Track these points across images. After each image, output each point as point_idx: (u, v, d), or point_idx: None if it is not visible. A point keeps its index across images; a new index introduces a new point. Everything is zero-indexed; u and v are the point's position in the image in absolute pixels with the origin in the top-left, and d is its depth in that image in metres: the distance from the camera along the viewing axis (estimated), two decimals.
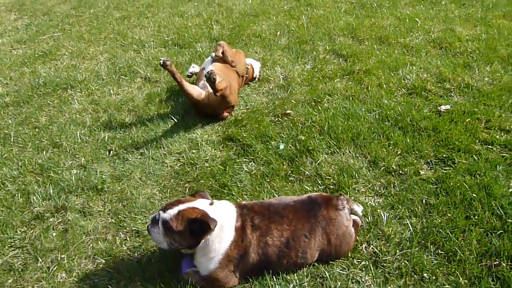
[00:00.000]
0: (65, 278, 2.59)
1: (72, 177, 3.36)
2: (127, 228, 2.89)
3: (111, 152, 3.64)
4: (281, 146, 3.49)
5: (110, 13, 7.04)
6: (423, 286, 2.35)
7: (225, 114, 3.93)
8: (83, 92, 4.60)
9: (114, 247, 2.74)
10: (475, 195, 2.84)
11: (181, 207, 2.36)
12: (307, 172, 3.21)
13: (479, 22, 5.55)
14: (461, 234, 2.61)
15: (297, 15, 6.25)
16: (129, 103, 4.32)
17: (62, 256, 2.71)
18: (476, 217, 2.71)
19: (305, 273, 2.46)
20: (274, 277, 2.42)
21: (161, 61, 3.57)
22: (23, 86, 4.84)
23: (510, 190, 2.90)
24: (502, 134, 3.44)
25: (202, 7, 6.89)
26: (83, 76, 4.89)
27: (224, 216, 2.40)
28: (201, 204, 2.40)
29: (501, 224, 2.65)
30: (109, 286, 2.50)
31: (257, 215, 2.45)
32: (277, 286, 2.38)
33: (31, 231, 2.93)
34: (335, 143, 3.47)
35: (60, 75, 4.97)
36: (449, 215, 2.75)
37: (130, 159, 3.53)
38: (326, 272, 2.45)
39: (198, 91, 3.85)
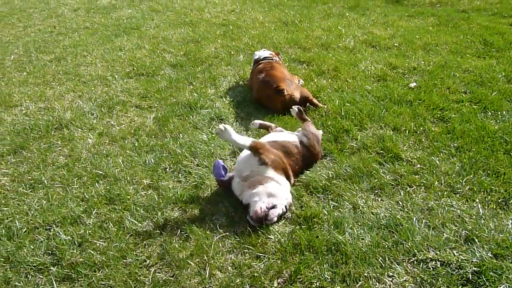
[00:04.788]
0: (221, 277, 2.68)
1: (149, 197, 3.34)
2: (243, 222, 3.08)
3: (167, 170, 3.69)
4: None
5: (37, 57, 6.59)
6: (494, 196, 3.17)
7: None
8: (84, 129, 4.40)
9: (245, 236, 2.91)
10: (483, 133, 3.85)
11: None
12: (355, 145, 3.83)
13: (385, 25, 6.99)
14: (493, 159, 3.54)
15: (236, 37, 6.87)
16: (143, 129, 4.33)
17: (205, 258, 2.77)
18: (491, 147, 3.69)
19: None
20: None
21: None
22: (3, 134, 4.37)
23: (496, 127, 3.99)
24: (464, 94, 4.62)
25: (139, 41, 6.98)
26: (70, 114, 4.65)
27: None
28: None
29: (510, 146, 3.68)
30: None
31: None
32: None
33: (151, 248, 2.88)
34: (358, 122, 4.17)
35: (40, 118, 4.62)
36: (474, 150, 3.67)
37: (192, 171, 3.64)
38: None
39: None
